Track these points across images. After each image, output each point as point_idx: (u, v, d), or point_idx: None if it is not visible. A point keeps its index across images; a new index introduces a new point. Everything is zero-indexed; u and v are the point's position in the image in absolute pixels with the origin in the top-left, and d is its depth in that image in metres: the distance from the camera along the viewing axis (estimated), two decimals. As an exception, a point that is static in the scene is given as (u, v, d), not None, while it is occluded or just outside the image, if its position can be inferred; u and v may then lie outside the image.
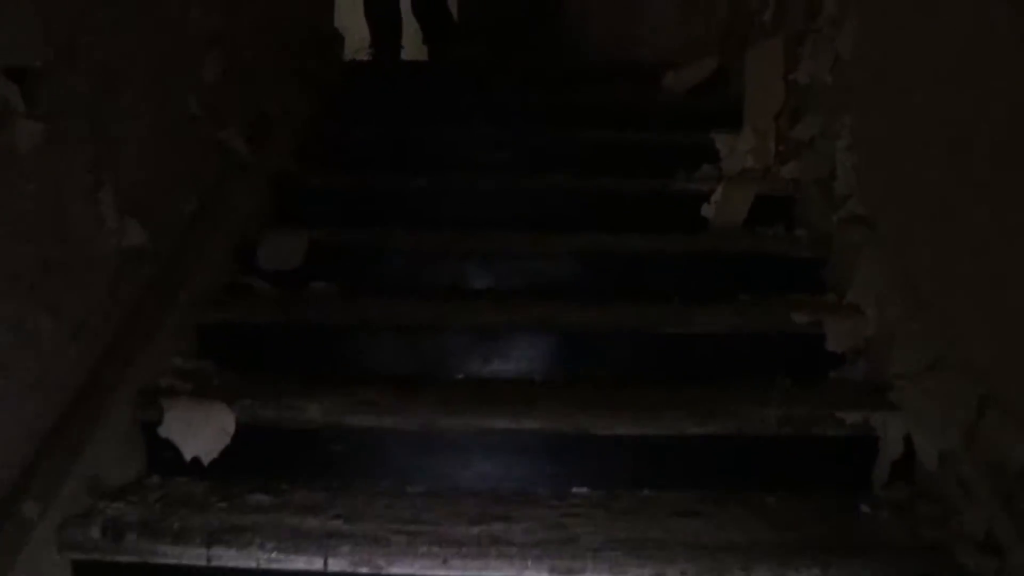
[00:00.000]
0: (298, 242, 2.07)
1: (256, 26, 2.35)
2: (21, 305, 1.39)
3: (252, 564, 1.39)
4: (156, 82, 1.80)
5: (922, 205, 1.73)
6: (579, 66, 3.34)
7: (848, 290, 1.92)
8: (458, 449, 1.62)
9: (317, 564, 1.39)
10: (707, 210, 2.28)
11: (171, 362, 1.76)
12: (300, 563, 1.39)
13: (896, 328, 1.75)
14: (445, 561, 1.38)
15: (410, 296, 1.98)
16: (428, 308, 1.91)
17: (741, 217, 2.26)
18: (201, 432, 1.59)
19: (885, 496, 1.59)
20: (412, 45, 4.04)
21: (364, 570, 1.38)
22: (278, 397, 1.64)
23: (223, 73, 2.11)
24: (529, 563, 1.37)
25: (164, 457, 1.61)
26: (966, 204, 1.57)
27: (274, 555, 1.39)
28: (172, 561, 1.41)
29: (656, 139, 2.52)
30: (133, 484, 1.58)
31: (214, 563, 1.40)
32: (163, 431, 1.59)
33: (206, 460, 1.59)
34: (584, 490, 1.60)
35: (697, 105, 2.78)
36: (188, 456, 1.59)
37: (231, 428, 1.59)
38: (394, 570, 1.38)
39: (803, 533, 1.46)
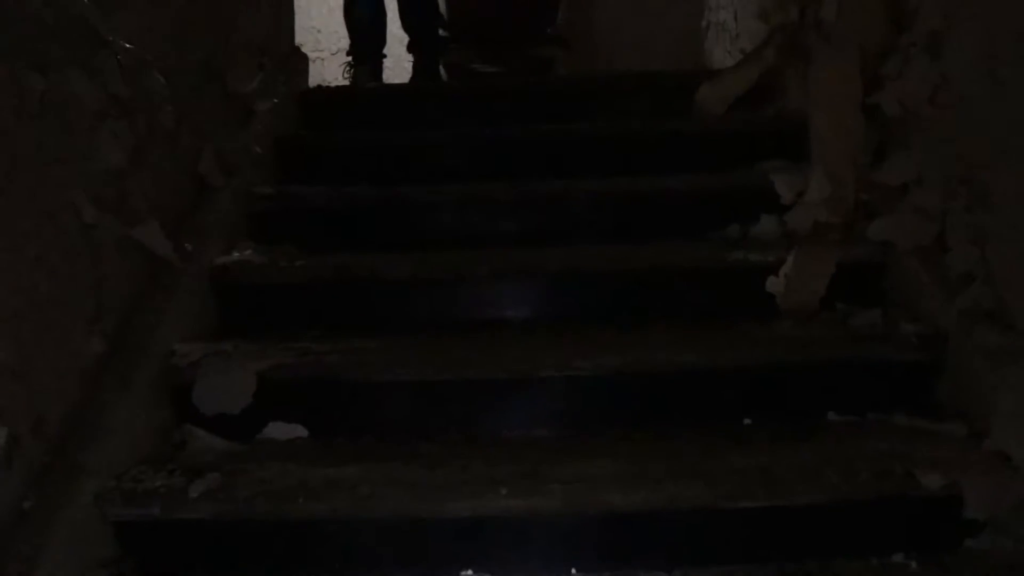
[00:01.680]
0: (243, 375, 1.58)
1: (183, 78, 1.83)
2: None
3: None
4: (21, 183, 1.31)
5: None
6: (589, 79, 2.76)
7: (981, 419, 1.42)
8: None
9: None
10: (774, 285, 1.77)
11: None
12: None
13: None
14: None
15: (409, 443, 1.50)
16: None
17: (819, 295, 1.75)
18: None
19: None
20: (394, 44, 3.49)
21: None
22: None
23: (133, 150, 1.61)
24: None
25: None
26: None
27: None
28: None
29: (696, 183, 2.00)
30: None
31: None
32: None
33: None
34: None
35: (744, 127, 2.24)
36: None
37: None
38: None
39: None
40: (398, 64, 3.51)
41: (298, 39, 2.79)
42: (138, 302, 1.63)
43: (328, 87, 2.83)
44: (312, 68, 3.02)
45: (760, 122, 2.26)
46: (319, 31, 3.71)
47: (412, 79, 3.29)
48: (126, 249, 1.60)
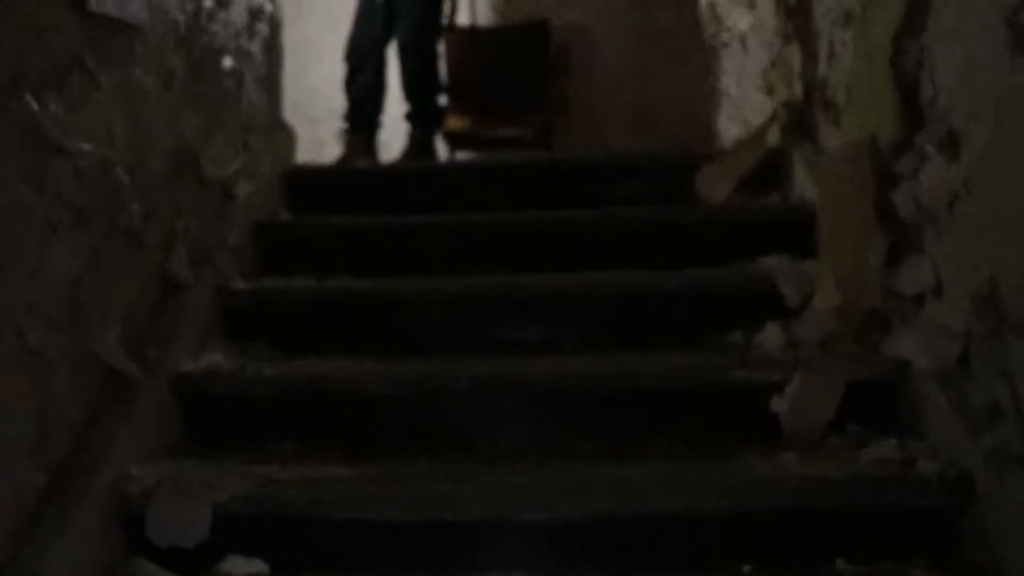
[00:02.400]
0: (198, 507, 1.45)
1: (153, 169, 1.72)
2: None
3: None
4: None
5: None
6: (584, 162, 2.62)
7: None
8: None
9: None
10: (779, 405, 1.63)
11: None
12: None
13: None
14: None
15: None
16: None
17: (827, 417, 1.62)
18: None
19: None
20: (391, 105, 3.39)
21: None
22: None
23: (89, 256, 1.50)
24: None
25: None
26: None
27: None
28: None
29: (695, 282, 1.87)
30: None
31: None
32: None
33: None
34: None
35: (746, 217, 2.12)
36: None
37: None
38: None
39: None
40: (394, 125, 3.43)
41: (294, 98, 2.70)
42: (92, 420, 1.50)
43: (313, 166, 2.71)
44: (307, 129, 2.93)
45: (763, 211, 2.15)
46: (316, 90, 3.62)
47: (405, 152, 3.20)
48: (79, 365, 1.49)
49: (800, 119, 2.09)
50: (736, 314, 1.82)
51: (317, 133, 3.53)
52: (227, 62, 2.09)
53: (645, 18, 3.95)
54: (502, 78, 3.45)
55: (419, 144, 3.19)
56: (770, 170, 2.23)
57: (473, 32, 4.10)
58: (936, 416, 1.49)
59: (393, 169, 2.91)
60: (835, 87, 2.07)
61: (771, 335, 1.77)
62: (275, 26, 2.43)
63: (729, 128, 2.98)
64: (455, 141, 3.63)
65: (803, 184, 2.15)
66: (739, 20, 2.81)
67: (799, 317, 1.77)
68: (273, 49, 2.44)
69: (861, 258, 1.74)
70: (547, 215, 2.13)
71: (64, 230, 1.44)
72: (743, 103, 2.82)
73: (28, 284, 1.36)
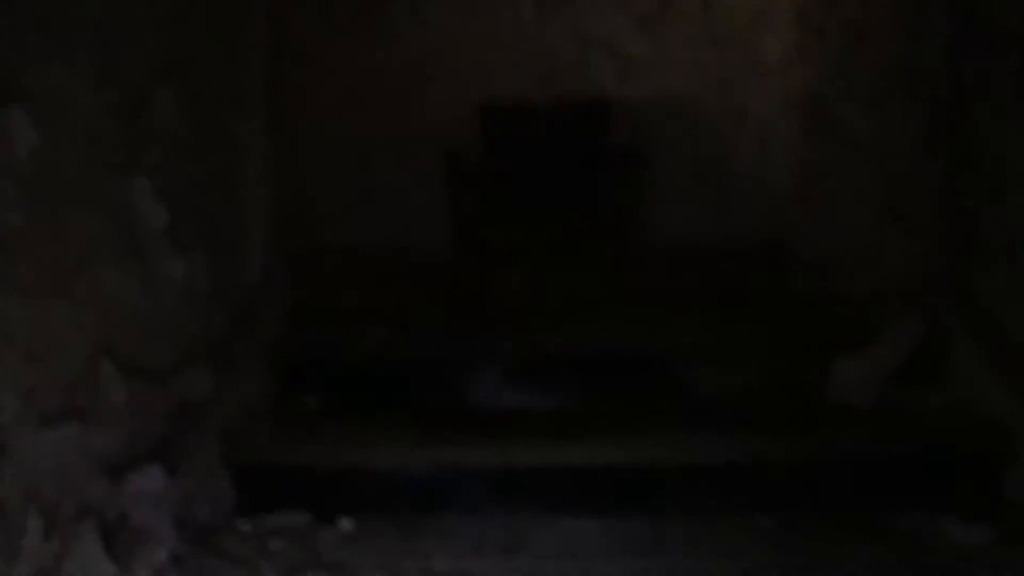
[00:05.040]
0: None
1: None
2: None
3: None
4: None
5: None
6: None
7: None
8: None
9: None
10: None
11: None
12: None
13: None
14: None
15: None
16: None
17: None
18: None
19: None
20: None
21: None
22: None
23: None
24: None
25: None
26: None
27: None
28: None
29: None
30: None
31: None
32: None
33: None
34: None
35: (909, 447, 1.66)
36: None
37: None
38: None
39: None
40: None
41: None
42: None
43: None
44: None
45: (929, 432, 1.69)
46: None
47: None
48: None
49: (961, 284, 1.73)
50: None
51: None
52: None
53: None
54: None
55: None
56: (925, 354, 1.84)
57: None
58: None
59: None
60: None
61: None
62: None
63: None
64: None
65: (971, 383, 1.74)
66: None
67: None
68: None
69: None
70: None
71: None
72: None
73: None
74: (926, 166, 2.13)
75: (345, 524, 1.82)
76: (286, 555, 1.72)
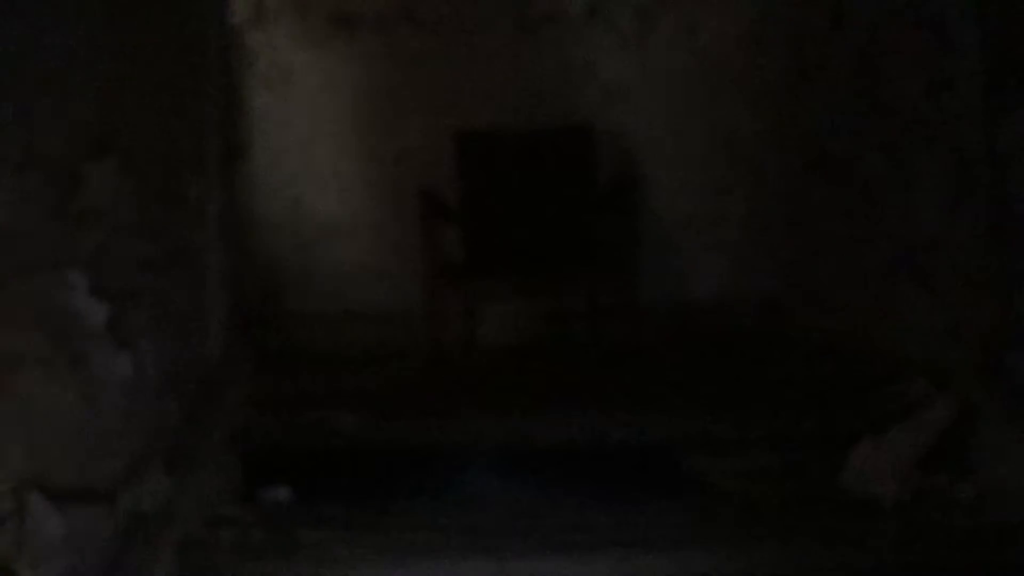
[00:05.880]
0: None
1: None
2: None
3: None
4: None
5: None
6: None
7: None
8: None
9: None
10: None
11: None
12: None
13: None
14: None
15: None
16: None
17: None
18: None
19: None
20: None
21: None
22: None
23: None
24: None
25: None
26: None
27: None
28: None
29: None
30: None
31: None
32: None
33: None
34: None
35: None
36: None
37: None
38: None
39: None
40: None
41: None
42: None
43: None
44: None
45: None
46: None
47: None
48: None
49: (999, 363, 1.53)
50: None
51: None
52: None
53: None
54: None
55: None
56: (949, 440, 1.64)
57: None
58: None
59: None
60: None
61: None
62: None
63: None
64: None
65: (1005, 471, 1.55)
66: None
67: None
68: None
69: None
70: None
71: None
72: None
73: None
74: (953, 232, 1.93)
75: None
76: None
